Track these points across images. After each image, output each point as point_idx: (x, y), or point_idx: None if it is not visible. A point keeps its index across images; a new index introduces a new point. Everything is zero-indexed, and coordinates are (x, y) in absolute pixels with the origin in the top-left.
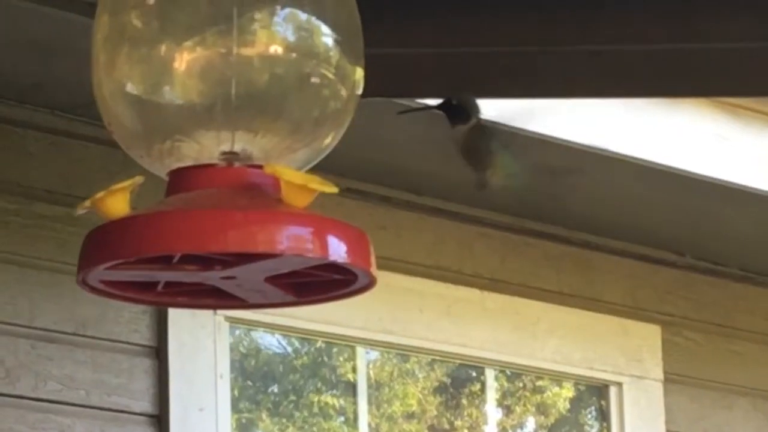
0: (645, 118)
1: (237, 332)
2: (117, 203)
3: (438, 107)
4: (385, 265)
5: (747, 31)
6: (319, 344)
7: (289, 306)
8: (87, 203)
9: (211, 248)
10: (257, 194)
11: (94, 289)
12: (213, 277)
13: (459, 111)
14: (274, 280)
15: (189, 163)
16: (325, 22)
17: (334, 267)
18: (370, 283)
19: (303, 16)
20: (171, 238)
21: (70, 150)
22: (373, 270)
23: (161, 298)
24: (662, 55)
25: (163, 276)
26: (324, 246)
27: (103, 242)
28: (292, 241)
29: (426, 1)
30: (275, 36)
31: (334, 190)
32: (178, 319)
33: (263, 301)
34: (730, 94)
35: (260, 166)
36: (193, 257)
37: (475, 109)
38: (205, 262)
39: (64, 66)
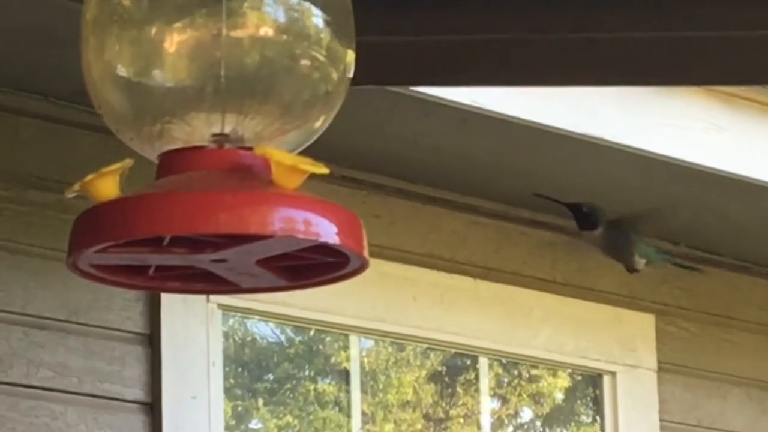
0: (639, 106)
1: (231, 321)
2: (106, 186)
3: (569, 208)
4: (379, 253)
5: (740, 19)
6: (312, 332)
7: (282, 290)
8: (76, 186)
9: (202, 230)
10: (248, 176)
11: (84, 273)
12: (204, 260)
13: (588, 218)
14: (266, 263)
15: (179, 145)
16: (316, 3)
17: (326, 249)
18: (362, 266)
19: None
20: (161, 220)
21: (63, 137)
22: (365, 252)
23: (152, 282)
24: (656, 43)
25: (154, 259)
26: (315, 227)
27: (93, 225)
28: (284, 222)
29: None
30: (265, 17)
31: (325, 171)
32: (171, 306)
33: (255, 285)
34: (723, 82)
35: (250, 148)
36: (184, 240)
37: (603, 216)
38: (196, 244)
39: (57, 53)
